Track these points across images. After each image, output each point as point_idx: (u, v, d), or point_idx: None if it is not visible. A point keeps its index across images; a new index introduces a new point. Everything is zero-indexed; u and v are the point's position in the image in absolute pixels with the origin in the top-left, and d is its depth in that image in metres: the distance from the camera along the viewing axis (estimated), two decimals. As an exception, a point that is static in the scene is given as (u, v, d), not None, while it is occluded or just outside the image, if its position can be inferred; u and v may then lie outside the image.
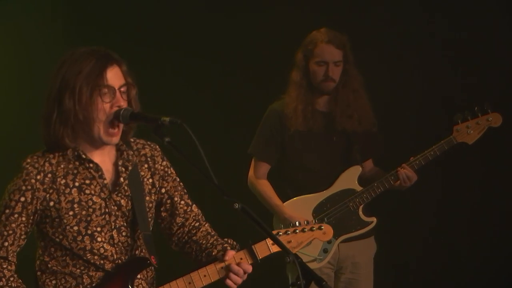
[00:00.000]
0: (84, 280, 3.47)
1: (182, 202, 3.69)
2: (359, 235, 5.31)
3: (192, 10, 6.53)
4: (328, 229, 3.71)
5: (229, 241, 3.67)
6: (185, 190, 3.71)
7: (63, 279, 3.48)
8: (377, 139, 5.39)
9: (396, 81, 6.23)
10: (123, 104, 3.43)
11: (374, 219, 5.29)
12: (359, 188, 5.28)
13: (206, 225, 3.75)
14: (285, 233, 3.63)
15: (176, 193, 3.68)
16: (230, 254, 3.55)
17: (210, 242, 3.68)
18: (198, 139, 3.23)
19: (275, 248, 3.54)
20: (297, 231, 3.64)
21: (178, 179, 3.69)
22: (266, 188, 5.35)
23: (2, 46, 6.55)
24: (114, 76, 3.43)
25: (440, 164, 5.33)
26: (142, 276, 3.55)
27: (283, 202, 5.31)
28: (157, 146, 3.64)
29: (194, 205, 3.73)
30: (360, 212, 5.28)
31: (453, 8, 6.21)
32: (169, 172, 3.65)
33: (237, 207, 3.25)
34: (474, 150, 5.32)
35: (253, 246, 3.55)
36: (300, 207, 5.28)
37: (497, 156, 6.13)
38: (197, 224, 3.73)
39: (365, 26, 6.16)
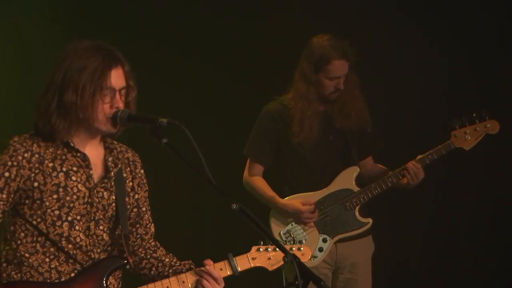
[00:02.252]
0: (52, 275, 3.45)
1: (146, 215, 3.70)
2: (356, 235, 5.31)
3: (192, 12, 6.53)
4: (306, 251, 3.75)
5: (192, 262, 3.69)
6: (149, 208, 3.72)
7: (28, 273, 3.45)
8: (374, 136, 5.40)
9: (394, 85, 6.24)
10: (121, 105, 3.46)
11: (370, 220, 5.29)
12: (356, 189, 5.29)
13: (161, 246, 3.76)
14: (266, 249, 3.67)
15: (145, 203, 3.69)
16: (210, 262, 3.57)
17: (174, 261, 3.70)
18: (195, 140, 3.25)
19: (255, 263, 3.61)
20: (277, 249, 3.66)
21: (147, 193, 3.70)
22: (259, 183, 5.35)
23: (2, 46, 6.56)
24: (117, 78, 3.46)
25: (438, 164, 5.33)
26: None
27: (280, 200, 5.33)
28: (137, 154, 3.69)
29: (153, 224, 3.74)
30: (357, 213, 5.27)
31: (454, 11, 6.22)
32: (144, 182, 3.69)
33: (235, 207, 3.28)
34: (470, 151, 5.33)
35: (234, 258, 3.59)
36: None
37: (494, 156, 6.12)
38: (154, 243, 3.74)
39: (365, 28, 6.16)
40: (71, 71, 3.42)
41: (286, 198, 5.31)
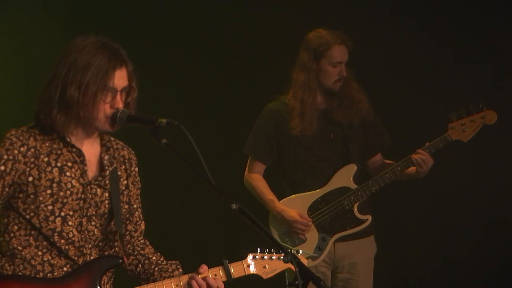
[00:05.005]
0: (45, 268, 3.46)
1: (137, 213, 3.70)
2: (357, 235, 5.28)
3: (192, 11, 6.52)
4: (302, 261, 3.71)
5: (178, 263, 3.69)
6: (141, 205, 3.72)
7: (21, 265, 3.46)
8: (381, 132, 5.39)
9: (391, 78, 6.24)
10: (121, 106, 3.46)
11: (369, 217, 5.26)
12: (354, 186, 5.26)
13: (150, 245, 3.77)
14: (262, 258, 3.65)
15: (137, 201, 3.70)
16: (205, 267, 3.56)
17: (161, 259, 3.71)
18: (195, 140, 3.24)
19: (250, 271, 3.60)
20: (273, 258, 3.67)
21: (140, 191, 3.71)
22: (259, 183, 5.36)
23: (0, 44, 6.57)
24: (120, 78, 3.46)
25: (440, 164, 5.31)
26: None
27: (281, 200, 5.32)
28: (133, 152, 3.69)
29: (143, 222, 3.74)
30: (355, 210, 5.25)
31: (452, 4, 6.24)
32: (137, 180, 3.70)
33: (234, 207, 3.27)
34: (472, 147, 5.30)
35: (228, 265, 3.58)
36: (295, 205, 5.28)
37: (496, 153, 6.12)
38: (143, 240, 3.75)
39: (362, 22, 6.16)
40: (76, 68, 3.41)
41: (285, 199, 5.31)
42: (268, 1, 6.43)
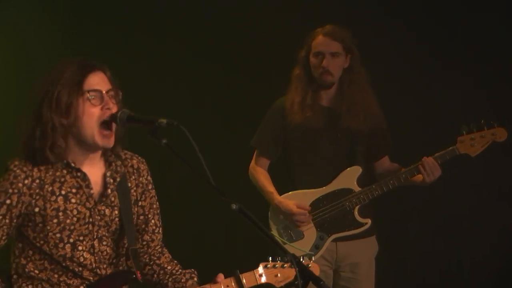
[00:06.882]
0: (62, 287, 3.48)
1: (153, 221, 3.70)
2: (359, 235, 5.28)
3: (193, 9, 6.52)
4: (315, 268, 3.75)
5: (194, 271, 3.69)
6: (159, 211, 3.72)
7: (39, 285, 3.49)
8: (387, 135, 5.38)
9: (401, 85, 6.23)
10: (113, 106, 3.45)
11: (369, 221, 5.26)
12: (357, 189, 5.26)
13: (167, 252, 3.77)
14: (273, 266, 3.66)
15: (151, 210, 3.69)
16: (221, 277, 3.57)
17: (176, 269, 3.71)
18: (195, 140, 3.24)
19: (262, 280, 3.60)
20: (285, 266, 3.68)
21: (155, 198, 3.71)
22: (262, 177, 5.38)
23: (0, 47, 6.57)
24: (99, 81, 3.43)
25: (446, 164, 5.30)
26: None
27: (285, 197, 5.33)
28: (144, 160, 3.68)
29: (161, 227, 3.74)
30: (356, 213, 5.26)
31: (466, 14, 6.23)
32: (149, 188, 3.68)
33: (234, 208, 3.27)
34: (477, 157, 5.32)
35: (240, 275, 3.58)
36: (297, 200, 5.28)
37: (497, 159, 6.12)
38: (160, 249, 3.75)
39: (376, 29, 6.16)
40: (46, 87, 3.40)
41: (287, 194, 5.32)
42: (269, 1, 6.41)
